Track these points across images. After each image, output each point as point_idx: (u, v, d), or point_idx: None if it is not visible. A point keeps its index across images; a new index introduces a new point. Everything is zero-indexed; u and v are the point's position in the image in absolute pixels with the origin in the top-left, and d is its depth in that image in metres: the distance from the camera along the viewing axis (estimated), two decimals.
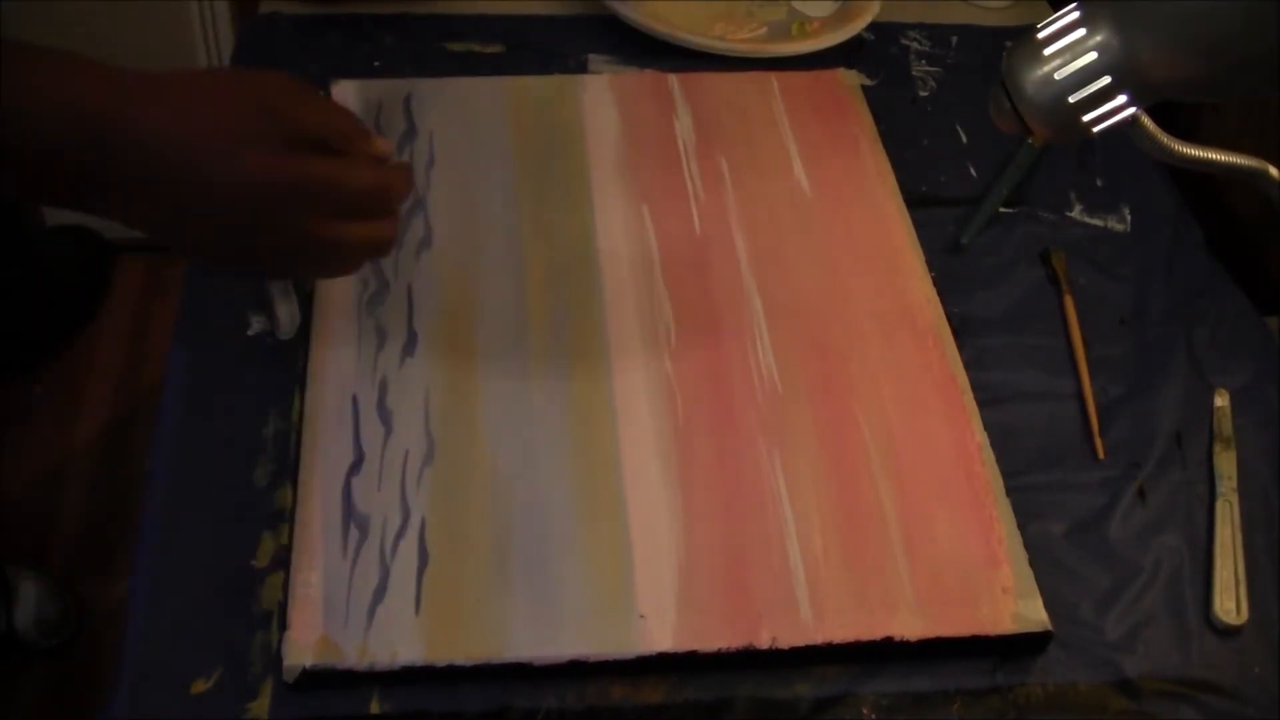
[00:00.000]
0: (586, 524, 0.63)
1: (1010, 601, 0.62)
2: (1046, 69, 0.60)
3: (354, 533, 0.61)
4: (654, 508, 0.63)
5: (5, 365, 1.58)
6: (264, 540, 0.62)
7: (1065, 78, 0.59)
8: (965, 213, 0.82)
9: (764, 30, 0.94)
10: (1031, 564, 0.63)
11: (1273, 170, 0.71)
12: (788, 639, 0.59)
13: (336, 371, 0.68)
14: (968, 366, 0.71)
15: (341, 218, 0.56)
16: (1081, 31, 0.59)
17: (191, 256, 0.61)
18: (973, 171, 0.86)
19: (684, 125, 0.84)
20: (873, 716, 0.59)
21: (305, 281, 0.72)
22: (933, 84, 0.92)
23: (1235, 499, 0.69)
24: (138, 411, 1.58)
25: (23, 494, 1.48)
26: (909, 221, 0.79)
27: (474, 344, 0.70)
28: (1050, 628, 0.61)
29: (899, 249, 0.78)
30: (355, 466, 0.64)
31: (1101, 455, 0.70)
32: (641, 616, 0.59)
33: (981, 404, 0.70)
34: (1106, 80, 0.59)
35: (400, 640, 0.58)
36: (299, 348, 0.70)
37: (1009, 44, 0.60)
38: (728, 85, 0.87)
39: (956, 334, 0.73)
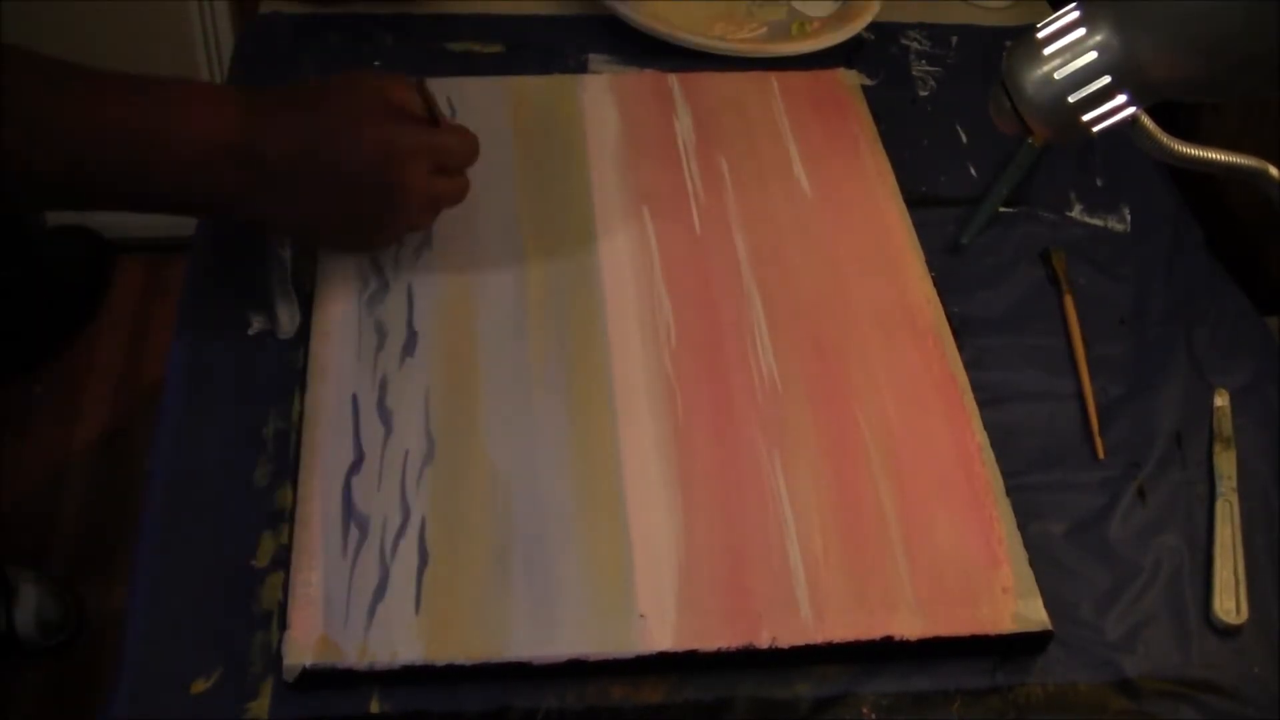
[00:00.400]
0: (586, 524, 0.63)
1: (1010, 601, 0.62)
2: (1046, 69, 0.60)
3: (354, 532, 0.61)
4: (654, 508, 0.63)
5: (5, 365, 1.59)
6: (264, 540, 0.62)
7: (1065, 77, 0.59)
8: (965, 213, 0.82)
9: (764, 30, 0.94)
10: (1031, 564, 0.63)
11: (1273, 170, 0.71)
12: (788, 639, 0.59)
13: (336, 371, 0.68)
14: (968, 366, 0.72)
15: (435, 173, 0.68)
16: (1081, 31, 0.59)
17: (317, 238, 0.72)
18: (973, 171, 0.86)
19: (684, 125, 0.84)
20: (873, 716, 0.59)
21: (305, 281, 0.72)
22: (933, 84, 0.92)
23: (1235, 499, 0.69)
24: (138, 411, 1.58)
25: (23, 494, 1.48)
26: (909, 221, 0.79)
27: (474, 344, 0.70)
28: (1050, 628, 0.61)
29: (899, 249, 0.78)
30: (355, 466, 0.64)
31: (1101, 455, 0.70)
32: (641, 616, 0.59)
33: (981, 404, 0.70)
34: (1106, 80, 0.59)
35: (400, 640, 0.58)
36: (299, 348, 0.70)
37: (1009, 44, 0.60)
38: (728, 85, 0.87)
39: (956, 334, 0.73)
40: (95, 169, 0.60)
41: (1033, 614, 0.61)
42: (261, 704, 0.57)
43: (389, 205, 0.67)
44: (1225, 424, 0.72)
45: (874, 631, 0.60)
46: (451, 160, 0.70)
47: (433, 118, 0.69)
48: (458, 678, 0.58)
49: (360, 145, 0.64)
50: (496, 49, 0.91)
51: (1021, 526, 0.65)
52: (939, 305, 0.75)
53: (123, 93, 0.61)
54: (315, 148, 0.64)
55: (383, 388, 0.67)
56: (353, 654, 0.57)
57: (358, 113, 0.65)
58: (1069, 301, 0.78)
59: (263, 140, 0.63)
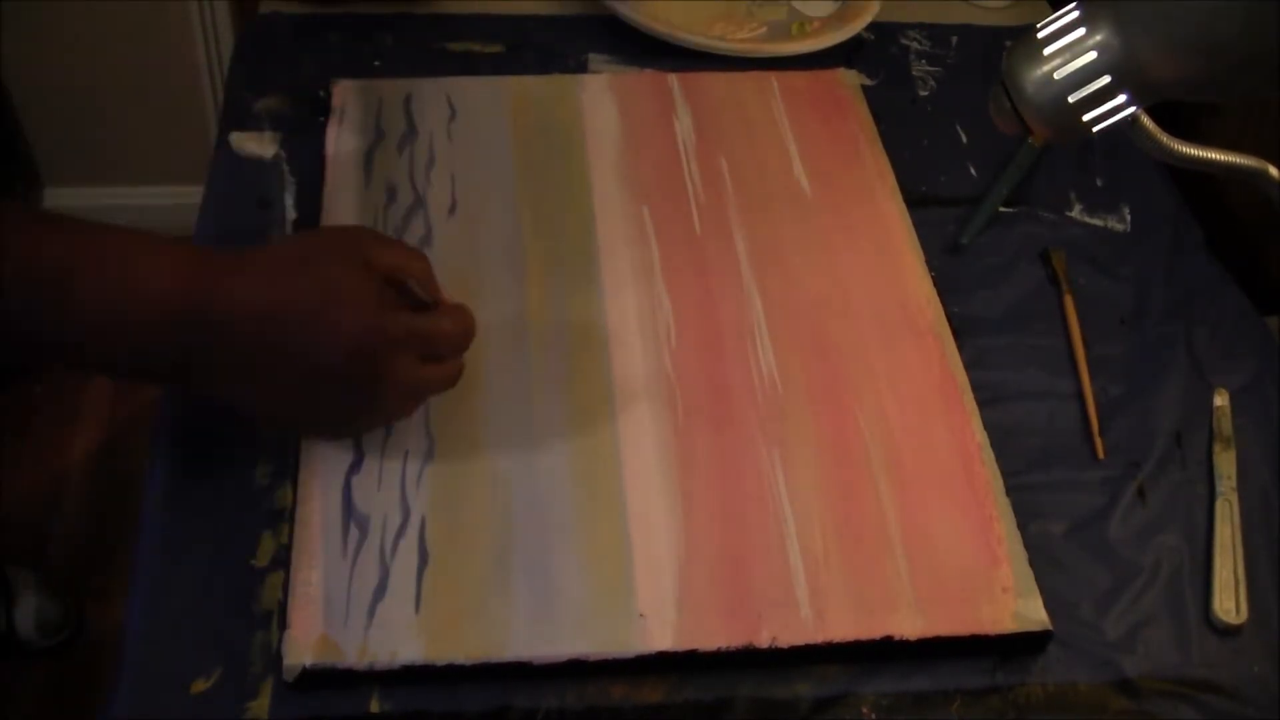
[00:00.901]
0: (586, 524, 0.63)
1: (1010, 601, 0.62)
2: (1046, 69, 0.60)
3: (354, 532, 0.61)
4: (654, 507, 0.63)
5: (4, 367, 1.59)
6: (264, 540, 0.62)
7: (1065, 77, 0.59)
8: (965, 213, 0.82)
9: (764, 30, 0.94)
10: (1031, 564, 0.63)
11: (1273, 170, 0.71)
12: (788, 638, 0.59)
13: None
14: (968, 366, 0.72)
15: (422, 362, 0.60)
16: (1081, 31, 0.59)
17: (284, 425, 0.63)
18: (973, 171, 0.86)
19: (684, 125, 0.84)
20: (873, 716, 0.59)
21: None
22: (933, 84, 0.92)
23: (1235, 499, 0.69)
24: (137, 412, 1.58)
25: (23, 495, 1.48)
26: (909, 221, 0.79)
27: (474, 343, 0.70)
28: (1050, 627, 0.61)
29: (899, 249, 0.78)
30: (355, 466, 0.64)
31: (1101, 455, 0.70)
32: (641, 616, 0.59)
33: (981, 404, 0.70)
34: (1106, 80, 0.59)
35: (400, 640, 0.58)
36: None
37: (1009, 44, 0.60)
38: (728, 85, 0.87)
39: (956, 334, 0.73)
40: (15, 315, 0.52)
41: (1032, 614, 0.61)
42: (261, 704, 0.57)
43: (367, 400, 0.60)
44: (1225, 424, 0.72)
45: (874, 631, 0.60)
46: (443, 348, 0.62)
47: (420, 302, 0.61)
48: (458, 678, 0.58)
49: (337, 333, 0.55)
50: (496, 49, 0.91)
51: (1021, 526, 0.65)
52: (939, 305, 0.75)
53: (57, 235, 0.53)
54: (282, 331, 0.55)
55: None
56: (353, 654, 0.57)
57: (337, 291, 0.56)
58: (1069, 301, 0.78)
59: (218, 310, 0.54)
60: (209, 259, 0.55)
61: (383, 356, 0.57)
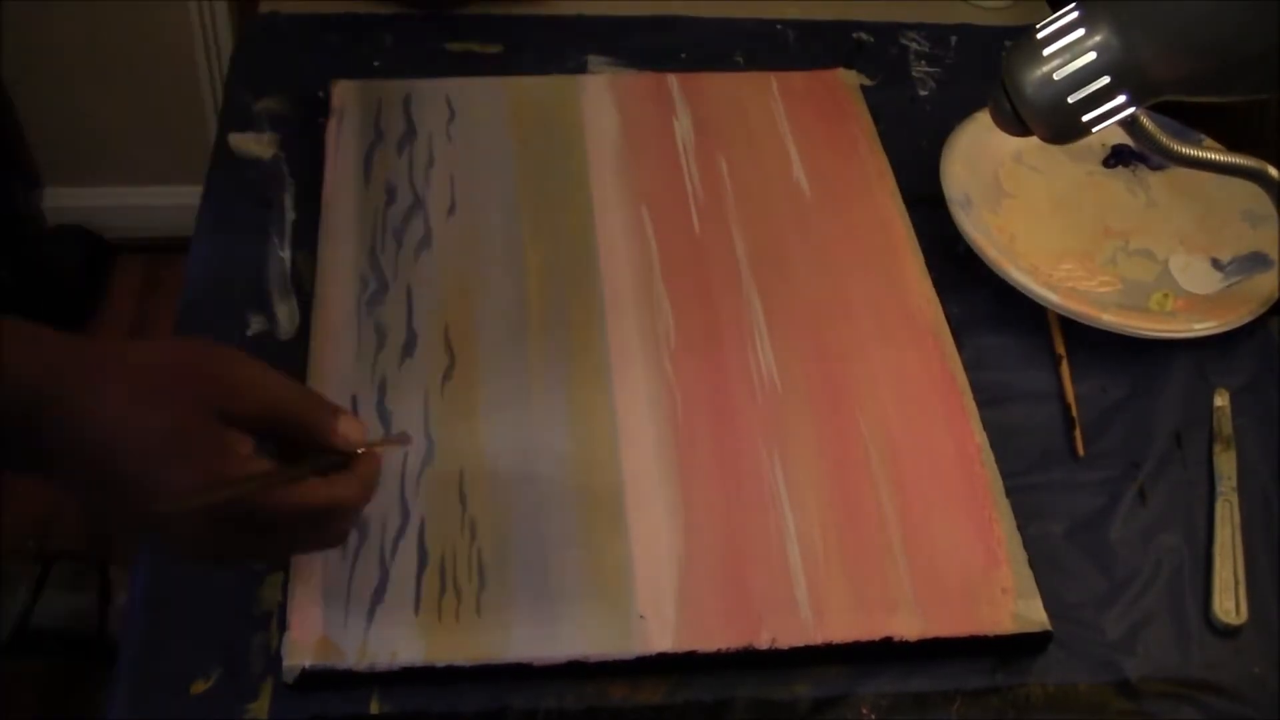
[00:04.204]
0: (586, 524, 0.63)
1: (1010, 601, 0.61)
2: (1046, 69, 0.60)
3: (354, 533, 0.61)
4: (654, 508, 0.63)
5: None
6: None
7: (1065, 78, 0.59)
8: None
9: (1120, 287, 0.77)
10: (1031, 564, 0.63)
11: (1273, 170, 0.71)
12: (787, 639, 0.59)
13: (336, 371, 0.68)
14: (968, 366, 0.71)
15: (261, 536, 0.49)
16: (1081, 31, 0.59)
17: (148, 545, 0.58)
18: None
19: (684, 125, 0.84)
20: (872, 716, 0.59)
21: (305, 281, 0.72)
22: (932, 84, 0.92)
23: (1235, 499, 0.69)
24: None
25: (22, 494, 1.48)
26: (909, 221, 0.79)
27: (474, 344, 0.70)
28: (1050, 628, 0.61)
29: (899, 249, 0.77)
30: None
31: (1081, 453, 0.70)
32: (641, 616, 0.59)
33: (981, 404, 0.70)
34: (1106, 80, 0.59)
35: (400, 640, 0.58)
36: (299, 348, 0.70)
37: (1009, 44, 0.60)
38: (727, 86, 0.87)
39: (956, 334, 0.73)
40: None
41: (1032, 614, 0.61)
42: (261, 704, 0.57)
43: (219, 554, 0.51)
44: (1225, 424, 0.72)
45: (873, 632, 0.60)
46: (301, 525, 0.50)
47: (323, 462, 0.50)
48: (457, 679, 0.58)
49: (160, 491, 0.46)
50: (496, 49, 0.91)
51: (1021, 527, 0.65)
52: (939, 305, 0.74)
53: None
54: (108, 479, 0.47)
55: (382, 388, 0.67)
56: (352, 655, 0.57)
57: (169, 442, 0.47)
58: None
59: (51, 429, 0.47)
60: (64, 360, 0.48)
61: (231, 520, 0.48)
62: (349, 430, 0.50)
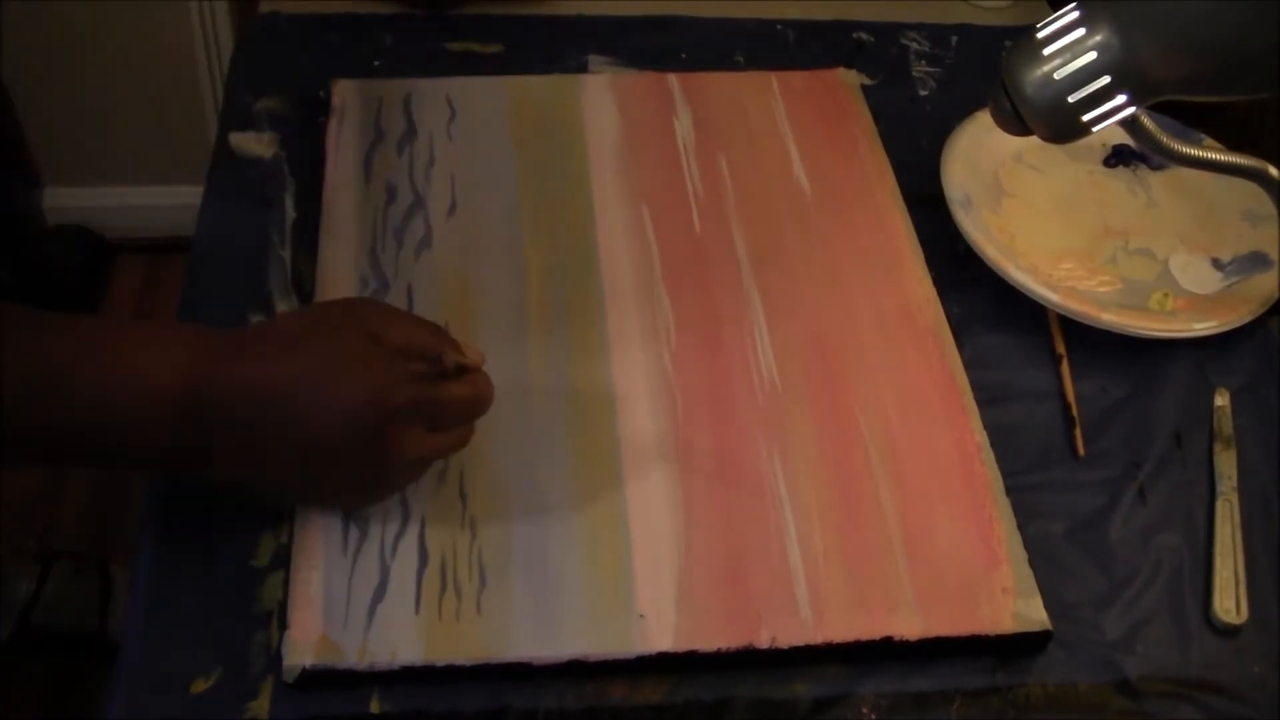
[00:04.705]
0: (586, 524, 0.63)
1: (1010, 601, 0.61)
2: (1046, 69, 0.60)
3: (354, 532, 0.61)
4: (654, 507, 0.63)
5: None
6: (264, 540, 0.62)
7: (1065, 78, 0.59)
8: None
9: (1120, 287, 0.77)
10: (1031, 564, 0.63)
11: (1273, 170, 0.71)
12: (787, 639, 0.59)
13: None
14: (968, 366, 0.71)
15: (429, 430, 0.58)
16: (1081, 31, 0.59)
17: (287, 501, 0.62)
18: None
19: (684, 125, 0.84)
20: (872, 716, 0.59)
21: (305, 281, 0.72)
22: (933, 84, 0.92)
23: (1235, 499, 0.69)
24: None
25: (22, 495, 1.48)
26: (909, 221, 0.79)
27: (474, 344, 0.70)
28: (1050, 628, 0.61)
29: (899, 249, 0.78)
30: None
31: (1081, 452, 0.70)
32: (641, 616, 0.59)
33: (981, 404, 0.70)
34: (1106, 80, 0.59)
35: (400, 640, 0.58)
36: None
37: (1009, 44, 0.60)
38: (727, 85, 0.87)
39: (956, 334, 0.73)
40: (9, 414, 0.50)
41: (1032, 614, 0.61)
42: (261, 704, 0.57)
43: (371, 474, 0.58)
44: (1225, 424, 0.72)
45: (873, 632, 0.60)
46: (453, 419, 0.59)
47: (442, 367, 0.58)
48: (457, 678, 0.58)
49: (336, 409, 0.54)
50: (496, 49, 0.91)
51: (1021, 526, 0.65)
52: (939, 305, 0.75)
53: (53, 333, 0.53)
54: (281, 412, 0.54)
55: None
56: (353, 654, 0.57)
57: (338, 364, 0.54)
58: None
59: (215, 400, 0.53)
60: (207, 345, 0.54)
61: (385, 430, 0.55)
62: (473, 352, 0.59)
